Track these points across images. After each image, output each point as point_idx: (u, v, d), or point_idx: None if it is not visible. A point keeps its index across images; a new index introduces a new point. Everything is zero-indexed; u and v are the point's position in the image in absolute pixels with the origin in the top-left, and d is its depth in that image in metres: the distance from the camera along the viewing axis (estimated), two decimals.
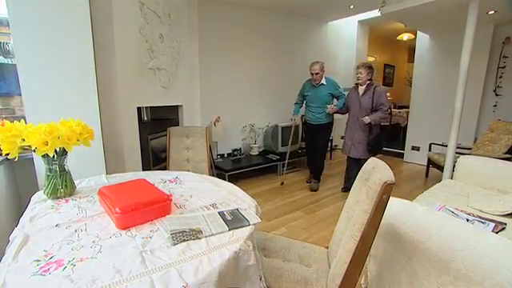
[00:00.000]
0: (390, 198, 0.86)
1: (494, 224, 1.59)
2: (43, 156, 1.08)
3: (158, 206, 0.98)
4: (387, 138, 6.11)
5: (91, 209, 1.05)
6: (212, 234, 0.87)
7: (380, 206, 0.85)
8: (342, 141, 3.43)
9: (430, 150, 3.81)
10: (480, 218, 1.67)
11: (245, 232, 0.90)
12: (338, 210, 2.75)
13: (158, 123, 2.87)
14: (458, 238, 0.94)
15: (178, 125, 2.99)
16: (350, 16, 4.68)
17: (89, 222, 0.94)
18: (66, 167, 1.17)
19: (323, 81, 3.23)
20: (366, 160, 1.19)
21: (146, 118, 2.77)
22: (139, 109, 2.35)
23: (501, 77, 3.85)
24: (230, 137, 4.04)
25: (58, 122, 1.13)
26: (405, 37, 5.29)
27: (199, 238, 0.85)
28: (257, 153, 4.17)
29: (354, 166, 3.13)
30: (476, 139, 3.86)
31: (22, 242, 0.81)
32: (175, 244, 0.81)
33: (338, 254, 1.04)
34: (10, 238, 0.86)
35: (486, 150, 3.26)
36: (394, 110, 6.36)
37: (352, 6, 4.01)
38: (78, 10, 1.66)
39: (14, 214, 1.70)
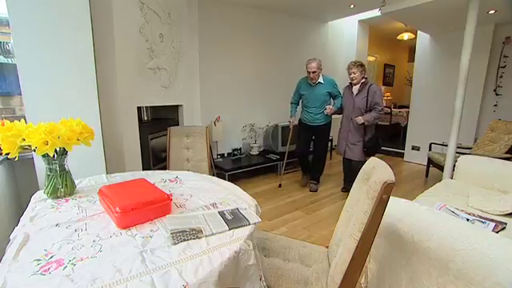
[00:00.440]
0: (391, 197, 0.86)
1: (494, 224, 1.59)
2: (43, 156, 1.08)
3: (159, 205, 0.98)
4: (387, 138, 6.15)
5: (91, 208, 1.05)
6: (212, 234, 0.87)
7: (380, 206, 0.85)
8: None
9: (430, 150, 3.81)
10: (480, 217, 1.67)
11: (245, 231, 0.90)
12: (338, 209, 2.75)
13: (158, 123, 2.87)
14: (459, 237, 0.94)
15: (178, 124, 2.99)
16: (351, 15, 4.67)
17: (89, 222, 0.94)
18: (66, 167, 1.17)
19: (320, 79, 3.06)
20: (363, 163, 1.18)
21: (146, 118, 2.77)
22: (139, 108, 2.35)
23: (501, 76, 3.84)
24: (230, 136, 4.04)
25: (58, 122, 1.13)
26: (405, 36, 5.28)
27: (199, 238, 0.85)
28: (257, 152, 4.17)
29: (350, 167, 3.06)
30: (476, 139, 3.86)
31: (23, 242, 0.81)
32: (175, 243, 0.81)
33: (338, 253, 1.04)
34: (10, 238, 0.86)
35: (486, 150, 3.26)
36: (395, 110, 6.36)
37: (352, 6, 4.00)
38: (79, 9, 1.66)
39: (15, 214, 1.70)
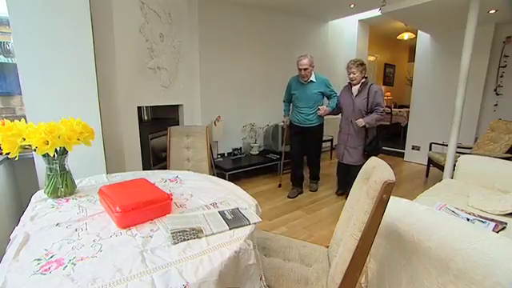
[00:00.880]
0: (391, 197, 0.86)
1: (494, 223, 1.59)
2: (44, 155, 1.08)
3: (159, 205, 0.98)
4: (387, 138, 6.15)
5: (92, 208, 1.05)
6: (212, 233, 0.87)
7: (380, 206, 0.85)
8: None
9: (430, 150, 3.81)
10: (480, 217, 1.67)
11: (245, 231, 0.90)
12: (338, 209, 2.75)
13: (158, 122, 2.87)
14: (459, 237, 0.94)
15: (178, 124, 2.99)
16: (351, 15, 4.67)
17: (89, 221, 0.94)
18: (66, 166, 1.17)
19: (312, 77, 2.84)
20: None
21: (146, 118, 2.77)
22: (139, 108, 2.35)
23: (502, 76, 3.84)
24: (230, 136, 4.04)
25: (58, 122, 1.13)
26: (405, 36, 5.28)
27: (199, 237, 0.85)
28: (257, 152, 4.17)
29: (345, 170, 2.89)
30: (476, 139, 3.86)
31: (23, 241, 0.81)
32: (176, 243, 0.81)
33: (338, 253, 1.04)
34: (10, 237, 0.87)
35: (486, 150, 3.26)
36: (395, 110, 6.36)
37: (352, 5, 4.00)
38: (79, 9, 1.66)
39: (15, 213, 1.70)
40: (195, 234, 0.86)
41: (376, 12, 3.57)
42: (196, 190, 1.26)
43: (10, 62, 1.88)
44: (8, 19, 1.51)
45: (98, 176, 1.43)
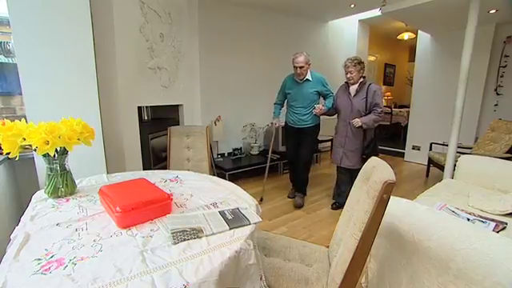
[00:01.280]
0: (391, 197, 0.86)
1: (494, 223, 1.59)
2: (44, 155, 1.08)
3: (159, 205, 0.98)
4: (387, 138, 6.15)
5: (92, 208, 1.05)
6: (213, 233, 0.87)
7: (381, 206, 0.85)
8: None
9: (430, 150, 3.81)
10: (481, 217, 1.67)
11: (245, 231, 0.90)
12: (338, 209, 2.75)
13: (158, 122, 2.87)
14: (459, 237, 0.94)
15: (178, 124, 2.99)
16: (351, 15, 4.67)
17: (89, 221, 0.94)
18: (66, 166, 1.17)
19: (308, 76, 2.69)
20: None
21: (146, 118, 2.77)
22: (140, 108, 2.35)
23: (502, 76, 3.84)
24: (230, 136, 4.04)
25: (58, 122, 1.13)
26: (405, 36, 5.28)
27: (200, 237, 0.85)
28: (257, 152, 4.17)
29: (346, 178, 2.73)
30: (477, 138, 3.86)
31: (23, 241, 0.81)
32: (176, 243, 0.81)
33: (338, 253, 1.04)
34: (11, 237, 0.87)
35: (486, 150, 3.26)
36: (395, 110, 6.36)
37: (353, 5, 4.00)
38: (79, 9, 1.66)
39: (15, 213, 1.70)
40: (195, 233, 0.86)
41: (376, 12, 3.57)
42: (196, 190, 1.26)
43: (11, 62, 1.88)
44: (8, 19, 1.51)
45: (98, 176, 1.43)
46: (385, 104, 6.74)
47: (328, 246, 1.32)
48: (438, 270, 0.98)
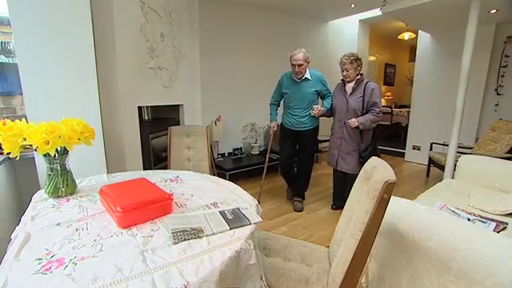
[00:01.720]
0: (391, 197, 0.86)
1: (495, 223, 1.59)
2: (44, 155, 1.08)
3: (159, 205, 0.98)
4: (388, 138, 6.15)
5: (92, 208, 1.05)
6: (213, 233, 0.87)
7: (381, 206, 0.85)
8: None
9: (431, 150, 3.81)
10: (481, 217, 1.66)
11: (246, 231, 0.90)
12: (338, 209, 2.75)
13: (158, 122, 2.87)
14: (459, 237, 0.94)
15: (178, 124, 2.99)
16: (351, 15, 4.67)
17: (90, 221, 0.94)
18: (67, 166, 1.17)
19: (307, 75, 2.50)
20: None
21: (146, 118, 2.77)
22: (140, 108, 2.35)
23: (502, 76, 3.84)
24: (230, 136, 4.04)
25: (59, 121, 1.13)
26: (406, 36, 5.28)
27: (200, 237, 0.85)
28: (257, 152, 4.17)
29: (341, 180, 2.62)
30: (477, 138, 3.86)
31: (24, 241, 0.81)
32: (176, 243, 0.81)
33: (338, 253, 1.04)
34: (11, 237, 0.87)
35: (487, 150, 3.25)
36: (395, 110, 6.36)
37: (353, 5, 4.00)
38: (79, 9, 1.66)
39: (16, 213, 1.70)
40: (196, 233, 0.86)
41: (376, 12, 3.57)
42: (196, 190, 1.26)
43: (11, 62, 1.88)
44: (9, 19, 1.51)
45: (98, 176, 1.44)
46: (385, 104, 6.74)
47: (328, 246, 1.32)
48: (438, 270, 0.98)
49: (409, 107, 5.37)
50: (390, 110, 6.20)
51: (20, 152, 1.07)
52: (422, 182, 3.72)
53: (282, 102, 2.81)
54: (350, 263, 0.90)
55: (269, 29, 4.15)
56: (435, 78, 4.38)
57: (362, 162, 2.35)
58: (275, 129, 2.81)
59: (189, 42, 2.99)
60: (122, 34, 1.98)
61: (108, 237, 0.84)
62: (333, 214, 2.72)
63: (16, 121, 1.08)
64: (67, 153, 1.15)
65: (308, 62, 2.47)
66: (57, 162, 1.13)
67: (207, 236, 0.86)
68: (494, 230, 1.52)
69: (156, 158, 2.83)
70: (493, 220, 1.63)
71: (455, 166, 2.56)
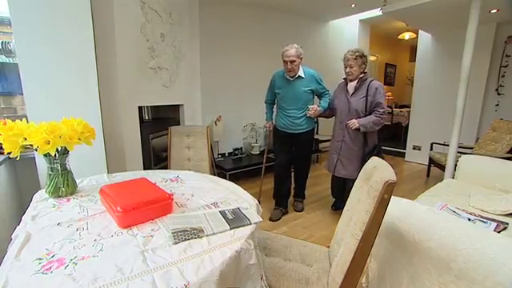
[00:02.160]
0: (392, 197, 0.86)
1: (495, 223, 1.58)
2: (45, 155, 1.08)
3: (160, 204, 0.98)
4: (388, 138, 6.14)
5: (93, 208, 1.05)
6: (213, 233, 0.87)
7: (381, 206, 0.85)
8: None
9: (431, 150, 3.80)
10: (482, 217, 1.66)
11: (246, 231, 0.90)
12: (338, 210, 2.75)
13: (159, 122, 2.88)
14: (460, 237, 0.94)
15: (179, 124, 2.99)
16: (352, 15, 4.66)
17: (90, 221, 0.94)
18: (67, 166, 1.17)
19: (301, 72, 2.32)
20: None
21: (147, 117, 2.78)
22: (140, 108, 2.35)
23: (503, 76, 3.83)
24: (231, 136, 4.04)
25: (59, 121, 1.13)
26: (406, 36, 5.27)
27: (200, 237, 0.85)
28: (258, 152, 4.17)
29: (339, 186, 2.49)
30: (478, 138, 3.85)
31: (24, 241, 0.81)
32: (176, 243, 0.81)
33: (339, 253, 1.04)
34: (12, 237, 0.87)
35: (487, 150, 3.25)
36: (396, 110, 6.36)
37: (353, 5, 3.99)
38: (80, 9, 1.66)
39: (16, 213, 1.71)
40: (196, 233, 0.86)
41: (377, 12, 3.57)
42: (197, 190, 1.26)
43: (12, 62, 1.88)
44: (9, 19, 1.51)
45: (98, 176, 1.44)
46: (386, 104, 6.72)
47: (329, 246, 1.32)
48: (439, 270, 0.98)
49: (409, 107, 5.36)
50: (390, 109, 6.20)
51: (20, 152, 1.07)
52: (423, 182, 3.72)
53: (275, 101, 2.65)
54: (351, 263, 0.90)
55: (269, 29, 4.15)
56: (435, 78, 4.38)
57: (362, 165, 2.21)
58: (271, 128, 2.65)
59: (189, 42, 2.99)
60: (122, 33, 1.98)
61: (108, 237, 0.85)
62: (333, 214, 2.72)
63: (16, 121, 1.08)
64: (68, 153, 1.15)
65: (301, 59, 2.29)
66: (57, 162, 1.13)
67: (207, 236, 0.86)
68: (494, 230, 1.52)
69: (156, 158, 2.83)
70: (493, 220, 1.62)
71: (456, 165, 2.56)
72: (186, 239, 0.83)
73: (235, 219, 0.96)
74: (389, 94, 7.09)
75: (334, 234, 1.27)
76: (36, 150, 1.05)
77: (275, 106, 2.64)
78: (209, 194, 1.20)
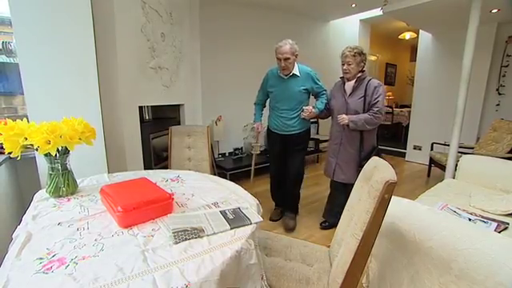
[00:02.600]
0: (392, 197, 0.86)
1: (496, 223, 1.58)
2: (45, 155, 1.08)
3: (160, 204, 0.98)
4: (388, 138, 6.14)
5: (93, 207, 1.05)
6: (214, 233, 0.87)
7: (382, 205, 0.85)
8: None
9: (432, 150, 3.80)
10: (482, 217, 1.66)
11: (246, 231, 0.90)
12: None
13: (159, 122, 2.88)
14: (460, 237, 0.94)
15: (179, 124, 2.99)
16: (352, 15, 4.66)
17: (91, 221, 0.95)
18: (68, 166, 1.17)
19: (295, 70, 2.18)
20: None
21: (147, 117, 2.78)
22: (141, 108, 2.36)
23: (504, 76, 3.83)
24: (231, 136, 4.04)
25: (60, 121, 1.13)
26: (407, 36, 5.28)
27: (201, 237, 0.85)
28: (258, 152, 4.16)
29: (339, 193, 2.29)
30: (478, 138, 3.85)
31: (25, 240, 0.81)
32: (177, 243, 0.81)
33: (339, 253, 1.04)
34: (12, 236, 0.87)
35: (488, 150, 3.25)
36: (396, 110, 6.35)
37: (354, 5, 3.99)
38: (80, 9, 1.66)
39: (17, 213, 1.71)
40: (196, 233, 0.86)
41: (377, 12, 3.57)
42: (197, 190, 1.26)
43: (12, 61, 1.89)
44: (10, 19, 1.51)
45: (99, 175, 1.44)
46: (386, 104, 6.73)
47: (329, 246, 1.32)
48: (439, 270, 0.97)
49: (409, 107, 5.36)
50: (390, 109, 6.20)
51: (21, 152, 1.08)
52: (423, 182, 3.72)
53: (267, 102, 2.52)
54: (351, 263, 0.90)
55: (270, 29, 4.15)
56: (436, 78, 4.38)
57: (359, 170, 2.07)
58: (259, 130, 2.52)
59: (189, 42, 2.99)
60: (122, 33, 1.99)
61: (109, 236, 0.85)
62: None
63: (17, 120, 1.08)
64: (68, 152, 1.15)
65: (296, 56, 2.16)
66: (58, 162, 1.13)
67: (208, 236, 0.86)
68: (495, 230, 1.52)
69: (157, 158, 2.84)
70: (494, 220, 1.62)
71: (456, 165, 2.56)
72: (186, 239, 0.83)
73: (236, 219, 0.96)
74: (389, 93, 7.09)
75: (334, 233, 1.27)
76: (37, 149, 1.05)
77: (268, 107, 2.51)
78: (209, 194, 1.20)
